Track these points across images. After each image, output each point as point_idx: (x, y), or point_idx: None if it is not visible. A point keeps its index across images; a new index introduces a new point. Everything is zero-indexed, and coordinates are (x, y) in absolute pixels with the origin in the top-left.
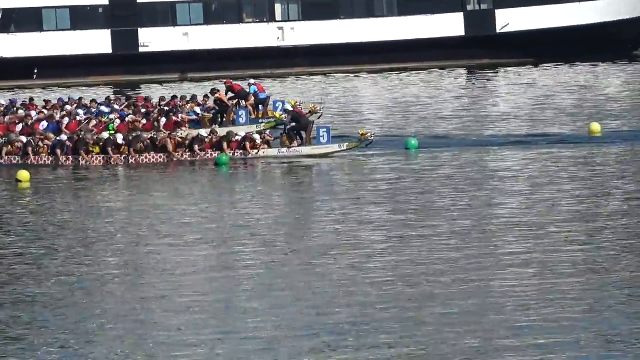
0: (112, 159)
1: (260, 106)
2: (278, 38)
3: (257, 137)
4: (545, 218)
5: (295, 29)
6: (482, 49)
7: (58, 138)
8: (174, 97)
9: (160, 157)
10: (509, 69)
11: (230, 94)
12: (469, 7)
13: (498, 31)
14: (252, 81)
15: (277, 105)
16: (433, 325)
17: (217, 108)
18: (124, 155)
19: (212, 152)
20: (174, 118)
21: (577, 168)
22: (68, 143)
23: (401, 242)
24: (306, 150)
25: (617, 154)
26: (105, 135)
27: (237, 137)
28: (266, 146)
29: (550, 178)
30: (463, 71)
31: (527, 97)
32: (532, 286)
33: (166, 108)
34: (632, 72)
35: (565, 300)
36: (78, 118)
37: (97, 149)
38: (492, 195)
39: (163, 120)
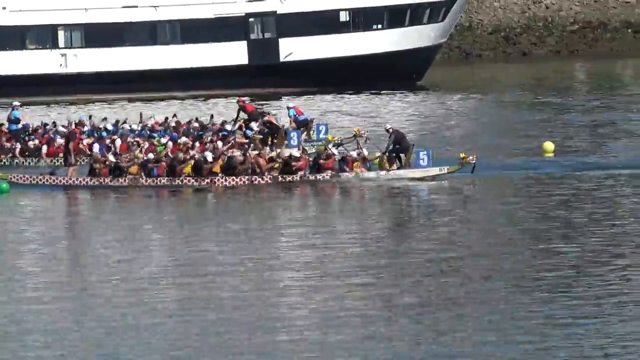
0: (205, 180)
1: (302, 128)
2: (61, 65)
3: (354, 153)
4: None
5: (78, 56)
6: (266, 77)
7: (145, 158)
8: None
9: (252, 179)
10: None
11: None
12: (253, 36)
13: (281, 60)
14: (290, 104)
15: (320, 127)
16: None
17: (266, 130)
18: (217, 177)
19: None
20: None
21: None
22: (157, 164)
23: None
24: (406, 173)
25: None
26: (196, 155)
27: (334, 156)
28: (363, 169)
29: None
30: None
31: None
32: None
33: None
34: (413, 101)
35: None
36: (129, 139)
37: (189, 169)
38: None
39: (219, 143)
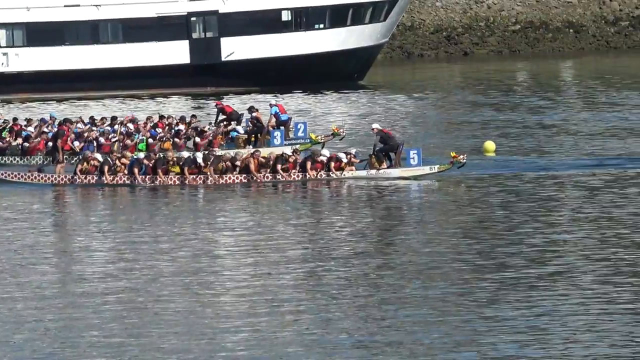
0: (188, 179)
1: (282, 127)
2: (2, 64)
3: (342, 156)
4: None
5: (19, 55)
6: (208, 76)
7: (135, 157)
8: (162, 116)
9: (240, 177)
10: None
11: (221, 116)
12: (195, 35)
13: (223, 59)
14: (273, 102)
15: (298, 126)
16: None
17: (253, 127)
18: (203, 176)
19: (297, 172)
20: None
21: None
22: (146, 162)
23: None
24: (396, 172)
25: None
26: (185, 154)
27: (322, 157)
28: (353, 168)
29: None
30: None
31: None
32: None
33: (181, 127)
34: (355, 100)
35: None
36: (110, 137)
37: (177, 169)
38: None
39: (197, 139)
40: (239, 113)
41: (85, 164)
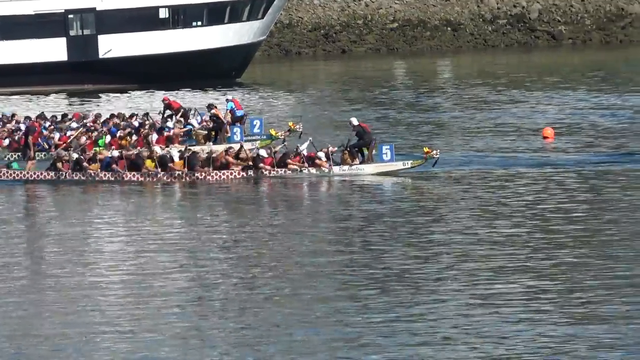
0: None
1: (238, 123)
2: None
3: (321, 155)
4: None
5: None
6: (85, 73)
7: (109, 155)
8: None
9: (218, 174)
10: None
11: (168, 112)
12: (72, 32)
13: (101, 56)
14: (229, 97)
15: (254, 122)
16: None
17: (212, 124)
18: (184, 173)
19: (273, 170)
20: (165, 133)
21: None
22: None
23: None
24: (369, 168)
25: None
26: (160, 151)
27: (302, 154)
28: (332, 164)
29: None
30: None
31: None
32: None
33: (135, 124)
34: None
35: None
36: (68, 133)
37: (152, 165)
38: None
39: (155, 136)
40: (186, 110)
41: (60, 162)
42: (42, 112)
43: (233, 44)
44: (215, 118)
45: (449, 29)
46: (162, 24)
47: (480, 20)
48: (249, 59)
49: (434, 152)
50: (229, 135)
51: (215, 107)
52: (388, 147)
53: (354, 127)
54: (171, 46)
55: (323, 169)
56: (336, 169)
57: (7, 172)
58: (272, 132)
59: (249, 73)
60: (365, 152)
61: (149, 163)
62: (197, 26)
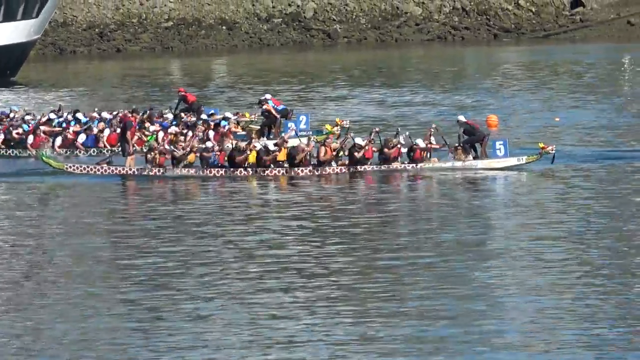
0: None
1: (284, 119)
2: None
3: (420, 143)
4: None
5: None
6: None
7: (203, 146)
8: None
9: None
10: None
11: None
12: None
13: None
14: (267, 96)
15: (300, 118)
16: None
17: (264, 119)
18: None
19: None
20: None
21: None
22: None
23: None
24: (482, 163)
25: None
26: (257, 145)
27: (400, 145)
28: (436, 159)
29: None
30: None
31: None
32: None
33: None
34: (9, 98)
35: None
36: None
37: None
38: None
39: (212, 133)
40: (199, 104)
41: (151, 153)
42: (136, 107)
43: (7, 42)
44: (267, 114)
45: (224, 27)
46: None
47: (256, 19)
48: (23, 57)
49: (550, 147)
50: (282, 130)
51: (267, 103)
52: (502, 142)
53: (461, 124)
54: None
55: (432, 161)
56: (448, 165)
57: (108, 168)
58: (328, 127)
59: (23, 72)
60: (478, 148)
61: (251, 158)
62: None
